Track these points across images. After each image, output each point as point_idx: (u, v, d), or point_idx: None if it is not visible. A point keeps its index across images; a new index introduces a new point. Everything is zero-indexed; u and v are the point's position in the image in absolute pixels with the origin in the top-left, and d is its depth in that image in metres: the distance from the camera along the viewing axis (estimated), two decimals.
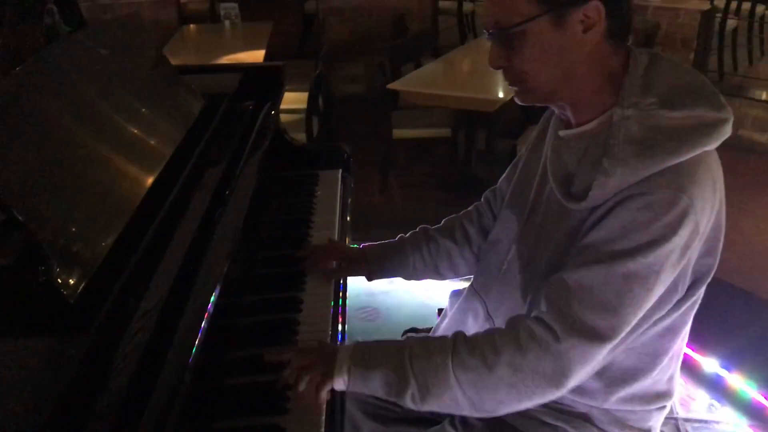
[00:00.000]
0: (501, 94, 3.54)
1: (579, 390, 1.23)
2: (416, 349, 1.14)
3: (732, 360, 2.45)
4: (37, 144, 1.11)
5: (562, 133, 1.22)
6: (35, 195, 1.02)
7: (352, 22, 5.69)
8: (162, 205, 1.24)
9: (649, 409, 1.29)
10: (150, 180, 1.28)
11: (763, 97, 4.77)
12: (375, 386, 1.14)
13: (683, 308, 1.19)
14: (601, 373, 1.22)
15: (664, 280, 1.09)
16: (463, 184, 4.05)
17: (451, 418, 1.38)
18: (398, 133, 4.09)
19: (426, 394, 1.11)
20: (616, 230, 1.07)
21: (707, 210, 1.09)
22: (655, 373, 1.25)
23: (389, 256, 1.54)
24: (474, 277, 1.47)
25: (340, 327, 1.40)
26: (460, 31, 5.73)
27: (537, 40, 1.09)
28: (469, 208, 1.56)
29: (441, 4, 5.75)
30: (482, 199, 1.55)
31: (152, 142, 1.38)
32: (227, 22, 5.12)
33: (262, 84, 1.92)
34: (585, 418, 1.28)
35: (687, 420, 2.27)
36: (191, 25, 5.42)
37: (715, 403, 2.37)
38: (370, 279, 1.56)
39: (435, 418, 1.45)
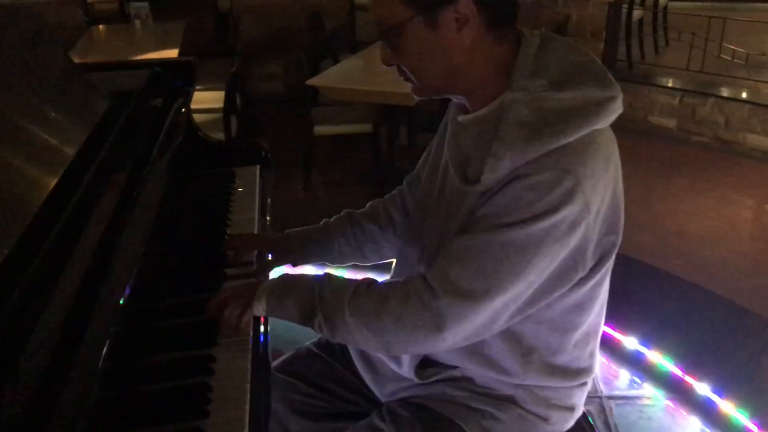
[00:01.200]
0: (412, 93, 3.54)
1: (497, 366, 1.26)
2: (326, 284, 1.24)
3: (650, 337, 2.54)
4: None
5: (460, 118, 1.23)
6: None
7: (267, 19, 5.60)
8: (65, 208, 1.16)
9: (570, 385, 1.31)
10: (51, 183, 1.20)
11: (670, 84, 4.95)
12: (288, 313, 1.25)
13: (589, 284, 1.21)
14: (513, 347, 1.24)
15: (549, 254, 1.10)
16: (387, 179, 4.04)
17: (379, 410, 1.37)
18: (319, 129, 4.06)
19: (330, 325, 1.21)
20: (502, 206, 1.11)
21: (599, 188, 1.11)
22: (571, 349, 1.27)
23: (314, 241, 1.52)
24: (394, 271, 1.47)
25: (262, 328, 1.36)
26: None
27: (414, 40, 1.12)
28: (392, 193, 1.56)
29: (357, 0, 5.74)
30: (404, 184, 1.55)
31: (52, 143, 1.31)
32: (138, 22, 4.97)
33: (172, 80, 1.86)
34: (510, 400, 1.29)
35: (610, 397, 2.34)
36: (100, 26, 5.23)
37: (637, 379, 2.45)
38: (295, 265, 1.55)
39: (363, 411, 1.44)
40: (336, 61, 4.48)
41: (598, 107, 1.11)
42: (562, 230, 1.09)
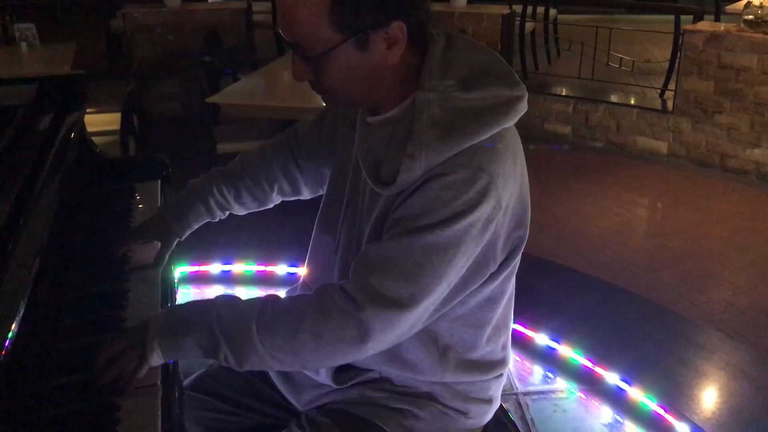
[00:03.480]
0: (324, 102, 3.54)
1: (415, 368, 1.25)
2: (223, 311, 1.14)
3: (560, 332, 2.61)
4: None
5: (369, 119, 1.22)
6: None
7: (162, 39, 5.48)
8: None
9: (487, 378, 1.32)
10: None
11: (564, 92, 5.15)
12: (190, 352, 1.14)
13: (499, 279, 1.22)
14: (430, 348, 1.24)
15: (466, 252, 1.12)
16: (293, 205, 4.00)
17: (298, 419, 1.34)
18: (223, 147, 3.97)
19: (239, 356, 1.12)
20: (419, 208, 1.10)
21: (509, 184, 1.13)
22: (485, 343, 1.28)
23: (186, 205, 1.49)
24: (306, 269, 1.44)
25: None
26: (278, 44, 5.70)
27: (342, 63, 1.10)
28: (262, 148, 1.53)
29: (255, 17, 5.69)
30: (281, 140, 1.52)
31: None
32: (24, 44, 4.74)
33: (62, 96, 1.77)
34: (429, 397, 1.29)
35: (526, 393, 2.38)
36: None
37: (549, 374, 2.50)
38: (181, 237, 1.51)
39: (280, 424, 1.40)
40: (236, 79, 4.42)
41: (506, 106, 1.13)
42: (478, 228, 1.10)
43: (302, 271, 1.47)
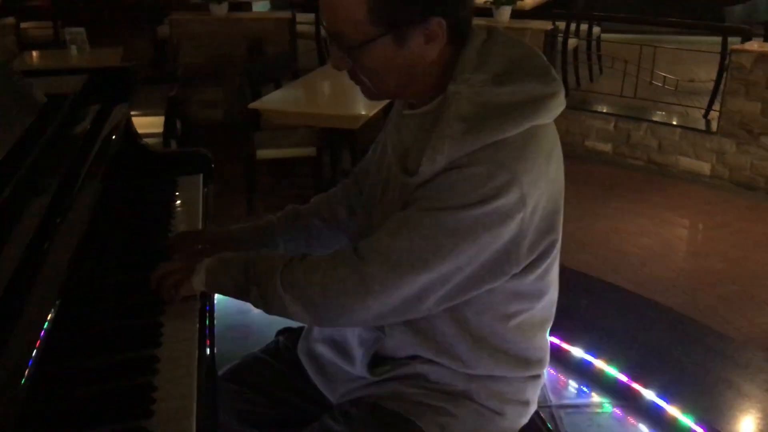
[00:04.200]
0: (363, 111, 3.57)
1: (450, 355, 1.25)
2: (261, 260, 1.24)
3: (596, 346, 2.56)
4: None
5: (405, 111, 1.23)
6: None
7: (208, 47, 5.56)
8: None
9: (523, 376, 1.30)
10: None
11: (605, 110, 5.10)
12: (226, 288, 1.27)
13: (530, 278, 1.19)
14: (463, 332, 1.23)
15: (478, 242, 1.10)
16: None
17: (331, 412, 1.33)
18: (262, 153, 4.01)
19: (264, 299, 1.22)
20: (434, 192, 1.11)
21: (539, 183, 1.12)
22: (520, 338, 1.27)
23: (258, 237, 1.49)
24: None
25: (208, 351, 1.30)
26: (319, 55, 5.76)
27: (380, 56, 1.11)
28: (335, 188, 1.54)
29: (299, 27, 5.75)
30: (350, 177, 1.53)
31: None
32: (73, 48, 4.86)
33: (110, 87, 1.81)
34: (465, 396, 1.27)
35: (560, 406, 2.34)
36: (33, 52, 5.10)
37: (584, 388, 2.46)
38: None
39: (312, 417, 1.40)
40: (278, 86, 4.47)
41: (538, 103, 1.11)
42: (493, 220, 1.09)
43: None
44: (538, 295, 1.24)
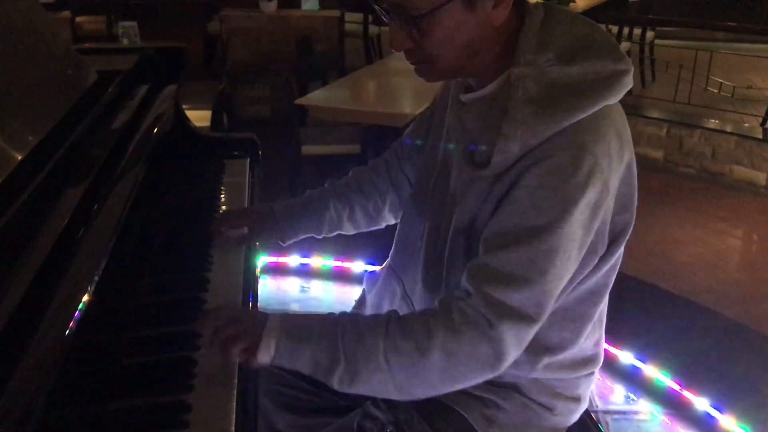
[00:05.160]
0: (408, 109, 3.55)
1: None
2: (348, 328, 1.06)
3: (646, 352, 2.47)
4: None
5: (463, 97, 1.17)
6: None
7: (256, 44, 5.59)
8: (34, 182, 1.06)
9: (577, 376, 1.25)
10: (20, 154, 1.09)
11: (657, 115, 4.98)
12: (302, 363, 1.06)
13: (603, 270, 1.15)
14: (527, 348, 1.14)
15: (581, 244, 1.05)
16: None
17: (374, 399, 1.28)
18: (307, 149, 4.00)
19: (355, 377, 1.05)
20: (527, 202, 1.03)
21: (615, 165, 1.06)
22: (582, 341, 1.21)
23: (299, 214, 1.44)
24: (391, 256, 1.40)
25: None
26: (366, 54, 5.75)
27: (448, 23, 1.05)
28: (377, 161, 1.50)
29: (347, 26, 5.75)
30: (390, 151, 1.49)
31: (27, 113, 1.21)
32: (126, 41, 4.92)
33: (162, 67, 1.80)
34: (514, 388, 1.22)
35: (606, 412, 2.26)
36: (86, 45, 5.18)
37: (632, 395, 2.38)
38: (284, 242, 1.46)
39: (352, 406, 1.35)
40: (325, 84, 4.47)
41: (610, 81, 1.05)
42: (587, 215, 1.04)
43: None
44: (605, 289, 1.19)
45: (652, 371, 2.42)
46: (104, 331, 1.10)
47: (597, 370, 1.29)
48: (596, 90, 1.04)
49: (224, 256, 1.39)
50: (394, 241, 1.40)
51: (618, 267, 1.19)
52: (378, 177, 1.46)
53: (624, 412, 2.28)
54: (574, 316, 1.17)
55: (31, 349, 0.75)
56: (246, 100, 5.62)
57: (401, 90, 4.10)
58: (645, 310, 2.86)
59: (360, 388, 1.06)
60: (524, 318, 1.03)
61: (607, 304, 1.24)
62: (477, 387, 1.21)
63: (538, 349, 1.16)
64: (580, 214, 1.02)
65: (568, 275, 1.07)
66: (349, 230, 1.48)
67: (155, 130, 1.54)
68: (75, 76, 1.49)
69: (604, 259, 1.13)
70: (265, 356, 1.06)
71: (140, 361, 1.09)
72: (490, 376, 1.07)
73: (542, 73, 1.05)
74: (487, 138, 1.08)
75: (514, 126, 1.04)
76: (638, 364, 2.44)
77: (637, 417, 2.27)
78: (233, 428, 0.97)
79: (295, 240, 1.46)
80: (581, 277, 1.12)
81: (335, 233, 1.47)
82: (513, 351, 1.04)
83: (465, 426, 1.20)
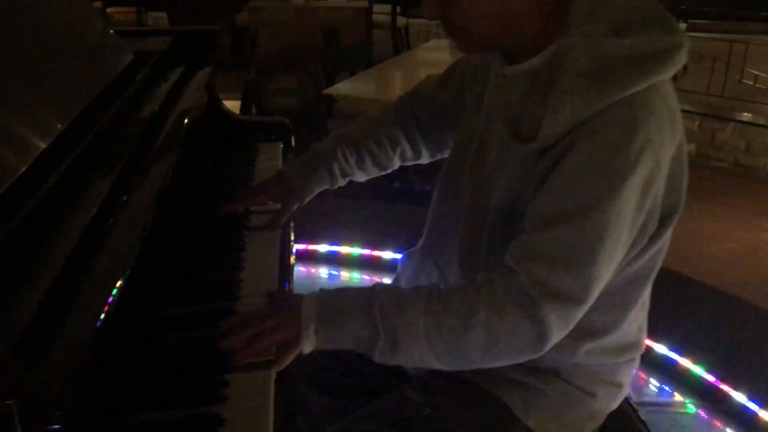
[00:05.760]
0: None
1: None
2: (387, 302, 1.05)
3: (681, 345, 2.43)
4: None
5: (506, 70, 1.14)
6: None
7: (284, 35, 5.60)
8: (70, 158, 1.05)
9: (619, 361, 1.21)
10: (56, 133, 1.08)
11: (689, 108, 4.90)
12: (344, 344, 1.06)
13: (651, 251, 1.11)
14: (570, 332, 1.12)
15: (632, 224, 1.02)
16: (400, 193, 3.97)
17: (410, 382, 1.27)
18: None
19: (395, 350, 1.04)
20: (574, 178, 1.00)
21: (667, 143, 1.02)
22: (625, 325, 1.18)
23: (310, 169, 1.44)
24: (425, 237, 1.37)
25: None
26: (394, 45, 5.73)
27: None
28: (384, 110, 1.48)
29: (375, 18, 5.73)
30: (402, 101, 1.47)
31: (61, 90, 1.20)
32: None
33: (195, 51, 1.79)
34: (554, 373, 1.19)
35: (641, 404, 2.22)
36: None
37: (666, 387, 2.33)
38: (303, 202, 1.46)
39: (386, 388, 1.34)
40: (352, 75, 4.45)
41: (664, 55, 1.01)
42: (638, 194, 1.00)
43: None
44: (651, 272, 1.15)
45: (687, 364, 2.37)
46: (140, 311, 1.09)
47: (638, 356, 1.26)
48: (650, 64, 1.00)
49: (257, 240, 1.38)
50: (428, 221, 1.37)
51: (665, 250, 1.16)
52: (387, 126, 1.44)
53: (658, 404, 2.24)
54: (618, 300, 1.14)
55: (66, 331, 0.73)
56: (273, 92, 5.63)
57: None
58: (679, 302, 2.80)
59: (401, 360, 1.06)
60: (570, 300, 1.00)
61: (651, 289, 1.21)
62: (517, 371, 1.19)
63: (580, 332, 1.12)
64: (630, 192, 0.98)
65: (619, 257, 1.03)
66: (360, 177, 1.47)
67: (190, 112, 1.54)
68: (111, 56, 1.49)
69: (652, 240, 1.09)
70: (308, 346, 1.06)
71: (177, 338, 1.08)
72: (531, 356, 1.05)
73: (594, 44, 1.01)
74: (533, 111, 1.05)
75: (563, 98, 1.00)
76: (673, 356, 2.40)
77: (671, 410, 2.23)
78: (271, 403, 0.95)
79: (312, 196, 1.46)
80: (628, 260, 1.09)
81: (347, 180, 1.47)
82: (556, 333, 1.02)
83: (504, 411, 1.18)
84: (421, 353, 1.03)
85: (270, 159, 1.79)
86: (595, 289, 1.02)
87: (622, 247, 1.02)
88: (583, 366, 1.19)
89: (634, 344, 1.22)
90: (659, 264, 1.16)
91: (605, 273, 1.02)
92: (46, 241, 0.85)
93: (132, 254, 0.91)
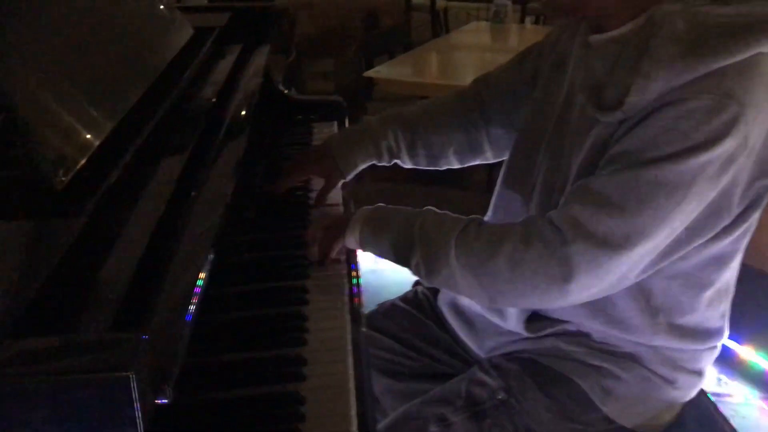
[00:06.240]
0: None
1: (621, 325, 1.12)
2: (429, 220, 1.11)
3: (741, 333, 2.35)
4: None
5: (591, 39, 1.09)
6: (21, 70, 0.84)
7: (322, 18, 5.55)
8: (139, 138, 1.02)
9: (700, 348, 1.17)
10: (124, 112, 1.04)
11: None
12: (383, 247, 1.13)
13: (733, 236, 1.06)
14: (641, 305, 1.10)
15: (698, 195, 0.96)
16: (439, 177, 3.93)
17: (481, 364, 1.24)
18: None
19: (428, 266, 1.08)
20: (649, 138, 0.95)
21: (760, 120, 0.96)
22: (704, 308, 1.13)
23: (357, 145, 1.39)
24: (490, 216, 1.33)
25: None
26: (433, 28, 5.65)
27: None
28: (446, 97, 1.43)
29: (414, 0, 5.66)
30: (470, 90, 1.41)
31: (129, 69, 1.17)
32: None
33: (253, 28, 1.76)
34: (633, 359, 1.15)
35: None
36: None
37: (723, 377, 2.27)
38: (346, 179, 1.41)
39: (452, 372, 1.31)
40: (391, 58, 4.40)
41: (766, 25, 0.95)
42: (715, 167, 0.94)
43: None
44: (733, 256, 1.10)
45: (747, 353, 2.30)
46: (215, 287, 1.07)
47: (719, 344, 1.21)
48: (751, 33, 0.94)
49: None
50: (494, 200, 1.33)
51: (751, 233, 1.11)
52: (448, 113, 1.39)
53: (717, 394, 2.18)
54: (693, 282, 1.10)
55: (171, 304, 0.71)
56: (310, 75, 5.59)
57: (470, 64, 4.02)
58: (742, 289, 2.73)
59: (436, 281, 1.09)
60: (605, 245, 0.96)
61: (736, 273, 1.16)
62: (594, 356, 1.15)
63: (655, 310, 1.10)
64: (707, 161, 0.93)
65: (674, 224, 0.97)
66: (406, 163, 1.42)
67: (253, 93, 1.50)
68: (174, 31, 1.46)
69: (734, 224, 1.04)
70: (351, 241, 1.16)
71: (251, 315, 1.06)
72: (559, 298, 1.01)
73: (693, 12, 0.96)
74: (620, 80, 1.00)
75: (656, 65, 0.95)
76: (733, 345, 2.33)
77: (730, 400, 2.17)
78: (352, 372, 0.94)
79: (355, 171, 1.41)
80: (703, 240, 1.04)
81: (393, 163, 1.42)
82: (583, 277, 0.97)
83: (582, 396, 1.14)
84: (448, 274, 1.05)
85: (325, 137, 1.76)
86: (637, 244, 0.96)
87: (680, 215, 0.97)
88: (664, 352, 1.15)
89: (716, 331, 1.18)
90: (743, 246, 1.11)
91: (653, 231, 0.96)
92: (136, 209, 0.84)
93: (217, 226, 0.89)
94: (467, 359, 1.32)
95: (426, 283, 1.14)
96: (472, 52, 4.21)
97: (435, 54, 4.30)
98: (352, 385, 0.93)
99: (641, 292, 1.09)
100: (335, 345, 1.00)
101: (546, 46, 1.28)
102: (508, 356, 1.22)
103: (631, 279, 1.03)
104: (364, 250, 1.18)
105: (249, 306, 1.06)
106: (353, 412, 0.89)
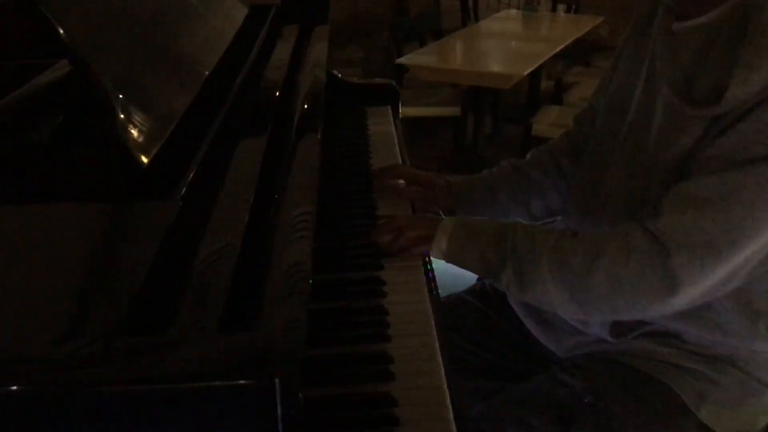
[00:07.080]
0: (512, 71, 3.42)
1: (718, 330, 1.05)
2: (520, 234, 1.05)
3: None
4: None
5: (675, 27, 1.02)
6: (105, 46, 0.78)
7: (351, 4, 5.48)
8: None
9: None
10: (195, 91, 1.00)
11: None
12: (471, 261, 1.07)
13: None
14: (741, 309, 1.03)
15: None
16: (469, 167, 3.86)
17: (561, 364, 1.17)
18: (404, 111, 3.86)
19: (521, 282, 1.03)
20: (751, 134, 0.89)
21: None
22: None
23: (477, 188, 1.33)
24: (568, 215, 1.27)
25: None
26: (463, 15, 5.56)
27: None
28: (555, 140, 1.36)
29: None
30: (573, 124, 1.35)
31: (193, 49, 1.13)
32: None
33: (308, 7, 1.70)
34: (728, 362, 1.08)
35: None
36: None
37: None
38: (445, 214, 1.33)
39: (524, 370, 1.25)
40: (422, 45, 4.33)
41: None
42: None
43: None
44: None
45: None
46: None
47: None
48: None
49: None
50: (570, 200, 1.27)
51: None
52: (560, 154, 1.32)
53: None
54: None
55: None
56: (338, 62, 5.52)
57: (503, 53, 3.95)
58: None
59: (528, 296, 1.05)
60: (710, 252, 0.90)
61: None
62: (688, 358, 1.08)
63: (753, 312, 1.03)
64: None
65: None
66: (525, 218, 1.35)
67: (322, 78, 1.43)
68: (232, 10, 1.41)
69: None
70: (436, 251, 1.09)
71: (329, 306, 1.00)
72: (657, 310, 0.97)
73: None
74: (712, 72, 0.94)
75: (759, 53, 0.89)
76: None
77: None
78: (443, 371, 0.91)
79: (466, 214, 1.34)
80: None
81: (514, 217, 1.35)
82: (689, 289, 0.92)
83: (675, 401, 1.07)
84: (544, 290, 1.00)
85: (381, 123, 1.70)
86: (743, 247, 0.91)
87: None
88: (762, 354, 1.08)
89: None
90: None
91: (761, 233, 0.91)
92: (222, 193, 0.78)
93: (312, 214, 0.82)
94: (542, 358, 1.25)
95: (516, 297, 1.08)
96: (504, 40, 4.14)
97: (468, 41, 4.23)
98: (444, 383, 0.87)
99: (741, 296, 1.02)
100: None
101: (625, 44, 1.20)
102: (590, 356, 1.15)
103: (736, 282, 0.97)
104: (448, 262, 1.10)
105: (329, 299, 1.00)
106: (450, 416, 0.83)
